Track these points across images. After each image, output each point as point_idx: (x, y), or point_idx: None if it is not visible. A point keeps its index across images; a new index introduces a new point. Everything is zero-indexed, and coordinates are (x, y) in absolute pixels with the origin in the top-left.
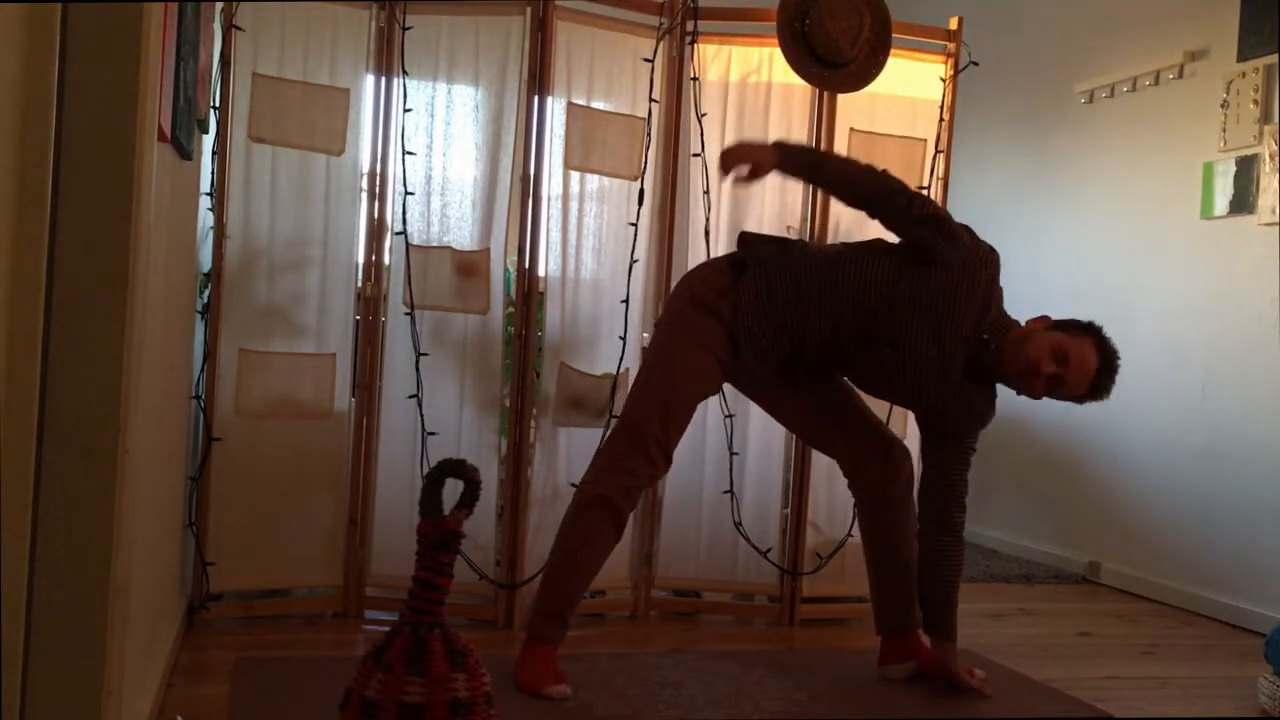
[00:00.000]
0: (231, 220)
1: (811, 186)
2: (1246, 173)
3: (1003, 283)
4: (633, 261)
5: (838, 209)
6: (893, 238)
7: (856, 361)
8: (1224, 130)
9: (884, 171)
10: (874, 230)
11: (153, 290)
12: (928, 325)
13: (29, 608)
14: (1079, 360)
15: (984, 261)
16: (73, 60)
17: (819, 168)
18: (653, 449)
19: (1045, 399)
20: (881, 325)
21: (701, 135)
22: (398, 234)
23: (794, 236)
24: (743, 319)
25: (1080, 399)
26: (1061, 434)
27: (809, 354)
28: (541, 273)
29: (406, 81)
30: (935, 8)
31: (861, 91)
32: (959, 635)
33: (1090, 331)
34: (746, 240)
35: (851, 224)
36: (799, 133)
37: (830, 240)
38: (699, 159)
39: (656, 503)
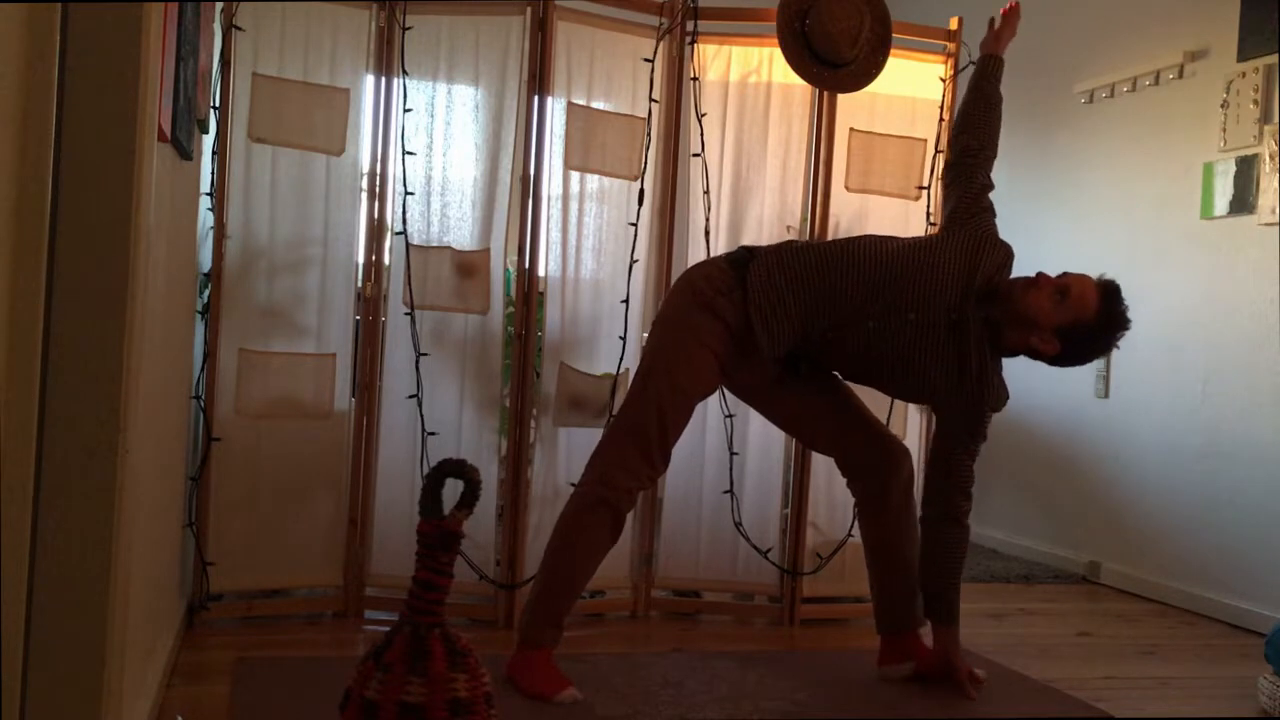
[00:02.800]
0: (231, 220)
1: (812, 190)
2: (1246, 173)
3: None
4: (633, 261)
5: (837, 209)
6: None
7: (871, 342)
8: (1224, 130)
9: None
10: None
11: (153, 290)
12: (944, 289)
13: (29, 608)
14: (1079, 287)
15: (998, 245)
16: (73, 60)
17: (995, 100)
18: (652, 449)
19: (1046, 403)
20: (906, 291)
21: (701, 135)
22: (398, 234)
23: (793, 238)
24: (754, 299)
25: (1090, 338)
26: (1061, 434)
27: (822, 335)
28: (541, 273)
29: (406, 81)
30: (935, 8)
31: (861, 91)
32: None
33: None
34: (747, 247)
35: (852, 223)
36: (799, 133)
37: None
38: (699, 159)
39: (656, 503)
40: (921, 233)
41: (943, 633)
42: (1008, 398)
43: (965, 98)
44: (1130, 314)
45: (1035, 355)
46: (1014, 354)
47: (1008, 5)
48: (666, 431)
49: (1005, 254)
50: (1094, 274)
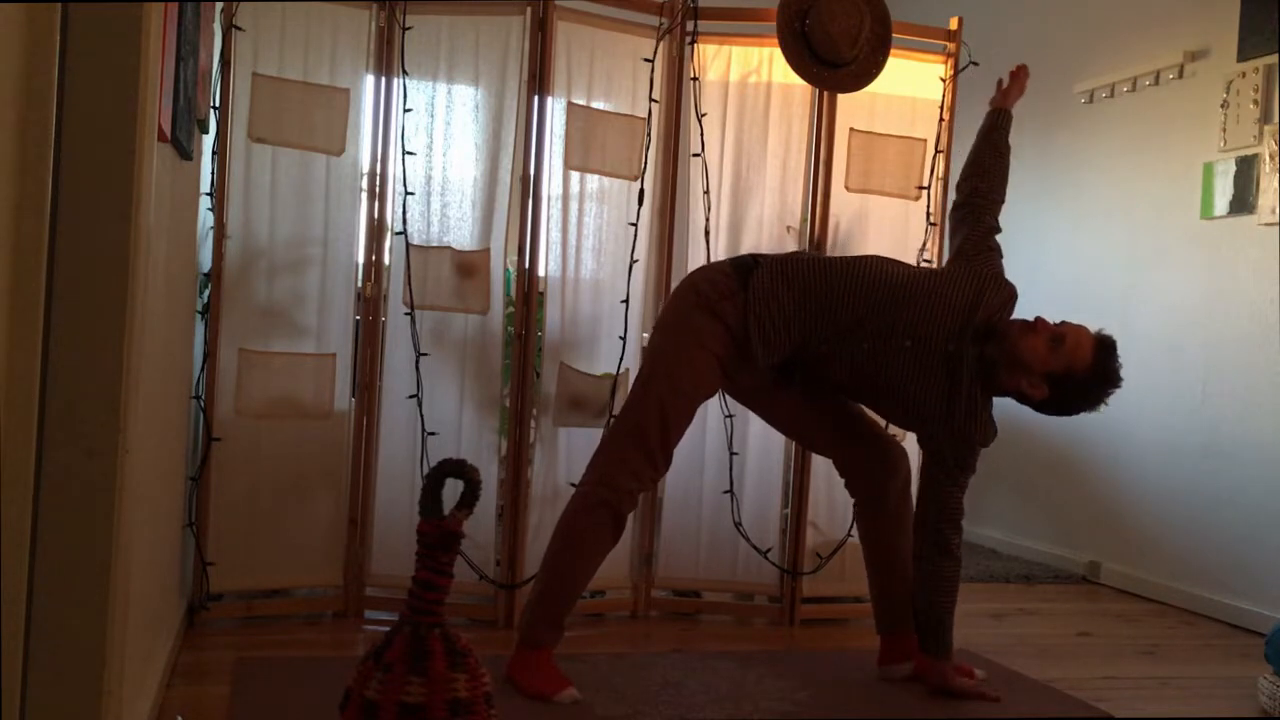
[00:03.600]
0: (231, 220)
1: (812, 190)
2: (1246, 173)
3: None
4: (633, 261)
5: (837, 209)
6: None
7: (866, 362)
8: (1224, 130)
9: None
10: (872, 240)
11: (153, 290)
12: (944, 321)
13: (29, 608)
14: (1075, 337)
15: (1002, 284)
16: (73, 60)
17: (1003, 149)
18: (654, 450)
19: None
20: (901, 318)
21: (701, 135)
22: (398, 234)
23: (793, 238)
24: (753, 306)
25: (1080, 389)
26: (1061, 434)
27: (818, 348)
28: (541, 273)
29: (406, 81)
30: (935, 8)
31: (861, 91)
32: (955, 636)
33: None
34: (753, 255)
35: (852, 223)
36: (799, 133)
37: (830, 243)
38: (699, 159)
39: (656, 503)
40: (921, 233)
41: (936, 665)
42: (996, 434)
43: (975, 146)
44: (1123, 372)
45: (1023, 399)
46: (1004, 394)
47: (1016, 66)
48: (668, 433)
49: (1009, 294)
50: (1093, 275)
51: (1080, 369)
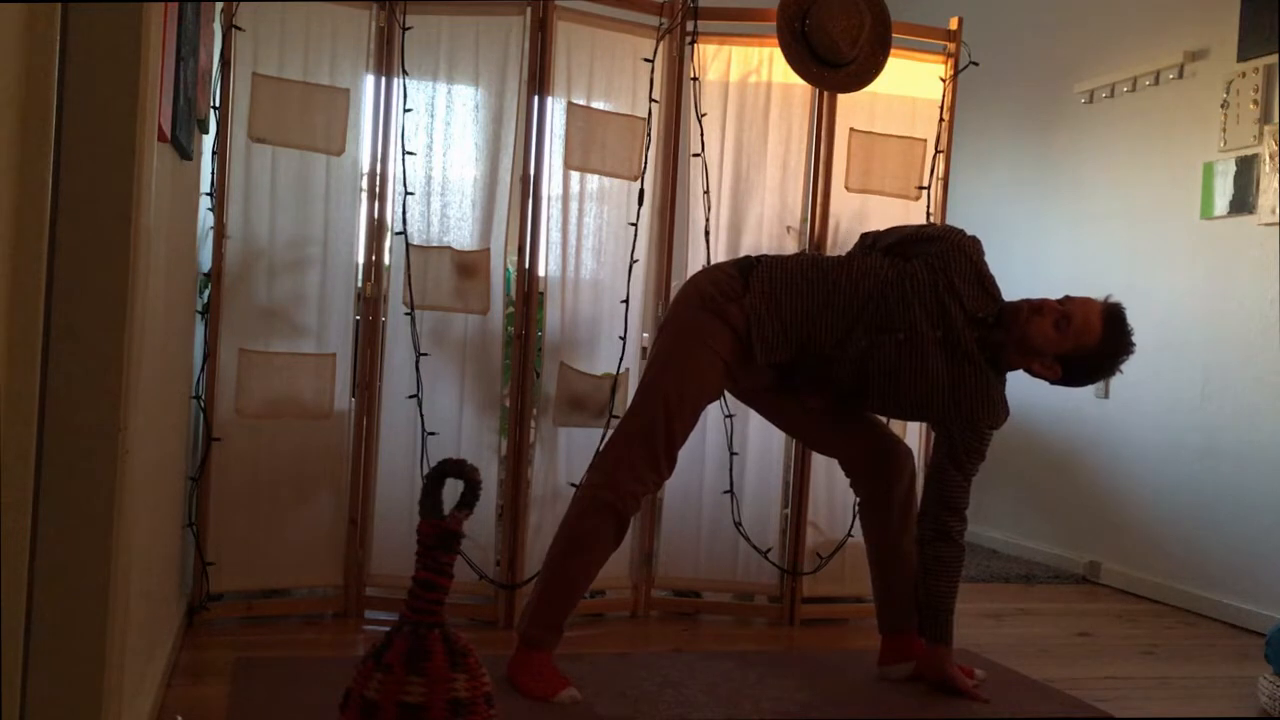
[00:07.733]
0: (231, 220)
1: (812, 190)
2: (1246, 173)
3: (1003, 284)
4: (633, 261)
5: (838, 209)
6: None
7: (865, 361)
8: (1224, 130)
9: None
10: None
11: (153, 290)
12: (935, 306)
13: (29, 608)
14: (1083, 314)
15: (958, 246)
16: (73, 60)
17: None
18: (658, 453)
19: (1046, 402)
20: (892, 312)
21: (701, 135)
22: (398, 234)
23: (793, 238)
24: (752, 304)
25: (1092, 364)
26: (1061, 434)
27: (820, 351)
28: (541, 273)
29: (406, 81)
30: (935, 8)
31: (861, 91)
32: (955, 636)
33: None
34: (753, 256)
35: (852, 223)
36: (799, 133)
37: (830, 243)
38: (699, 159)
39: (656, 503)
40: None
41: (934, 651)
42: (1007, 416)
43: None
44: (1134, 338)
45: (1036, 377)
46: (1015, 370)
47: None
48: (673, 436)
49: (973, 250)
50: (1093, 275)
51: (1090, 344)
